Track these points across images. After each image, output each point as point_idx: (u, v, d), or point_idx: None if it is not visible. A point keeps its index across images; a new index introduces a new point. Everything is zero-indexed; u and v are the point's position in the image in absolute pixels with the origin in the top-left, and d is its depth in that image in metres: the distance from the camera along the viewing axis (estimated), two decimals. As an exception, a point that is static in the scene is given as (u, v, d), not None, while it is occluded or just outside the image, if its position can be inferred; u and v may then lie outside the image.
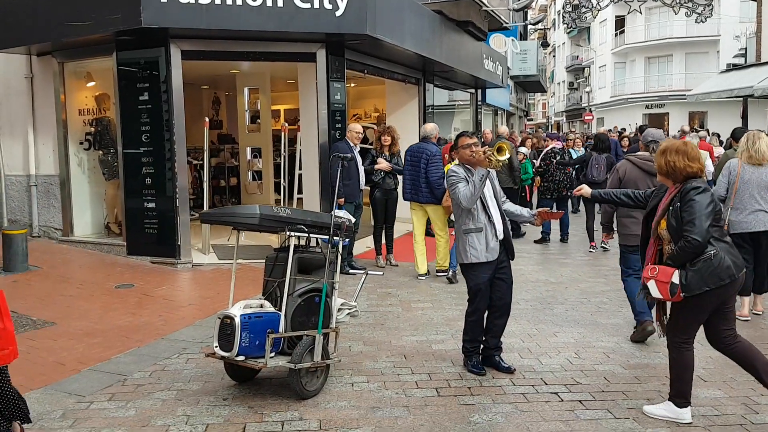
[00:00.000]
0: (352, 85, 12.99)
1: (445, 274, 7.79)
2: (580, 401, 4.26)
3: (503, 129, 12.20)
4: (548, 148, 11.03)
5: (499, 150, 4.62)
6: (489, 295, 4.74)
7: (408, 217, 10.90)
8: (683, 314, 3.86)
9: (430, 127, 8.21)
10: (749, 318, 6.10)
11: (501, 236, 4.71)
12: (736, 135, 8.60)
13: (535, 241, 10.69)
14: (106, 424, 3.95)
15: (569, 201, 11.94)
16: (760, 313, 6.26)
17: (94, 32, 8.04)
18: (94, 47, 8.78)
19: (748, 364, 3.90)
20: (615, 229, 5.88)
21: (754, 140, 6.04)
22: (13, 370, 4.85)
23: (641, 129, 10.16)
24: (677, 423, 3.90)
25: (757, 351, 3.92)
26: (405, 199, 8.14)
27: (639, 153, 5.99)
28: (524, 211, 5.00)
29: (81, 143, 9.78)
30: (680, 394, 3.93)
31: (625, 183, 5.68)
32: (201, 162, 11.29)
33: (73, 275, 8.09)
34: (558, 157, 10.72)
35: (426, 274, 7.94)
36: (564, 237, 10.74)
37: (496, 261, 4.68)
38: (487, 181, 4.67)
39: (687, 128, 16.27)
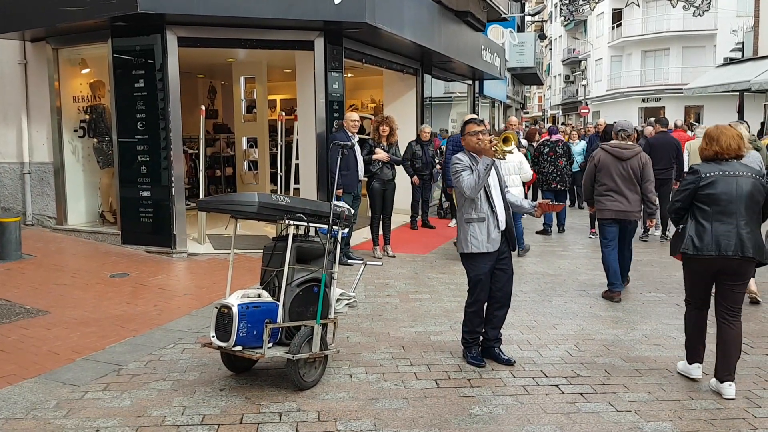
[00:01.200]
0: (349, 75, 12.88)
1: None
2: (581, 394, 4.22)
3: (513, 120, 12.04)
4: (540, 141, 11.04)
5: (505, 140, 4.57)
6: (489, 286, 4.70)
7: (404, 208, 10.93)
8: (683, 274, 4.44)
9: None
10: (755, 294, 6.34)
11: (503, 227, 4.65)
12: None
13: (537, 232, 10.71)
14: (101, 414, 3.89)
15: (566, 194, 11.94)
16: (757, 297, 6.29)
17: (89, 18, 7.92)
18: (89, 33, 8.66)
19: (720, 347, 4.23)
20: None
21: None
22: (6, 359, 4.79)
23: (659, 121, 10.37)
24: (680, 417, 3.87)
25: (737, 348, 4.19)
26: (448, 185, 9.25)
27: (612, 141, 6.78)
28: (525, 203, 4.95)
29: (75, 131, 9.67)
30: (688, 348, 4.45)
31: (600, 168, 6.57)
32: (196, 151, 11.20)
33: (67, 264, 8.01)
34: (546, 149, 10.66)
35: None
36: (561, 227, 10.83)
37: (497, 252, 4.62)
38: (492, 170, 4.61)
39: (679, 122, 16.26)
